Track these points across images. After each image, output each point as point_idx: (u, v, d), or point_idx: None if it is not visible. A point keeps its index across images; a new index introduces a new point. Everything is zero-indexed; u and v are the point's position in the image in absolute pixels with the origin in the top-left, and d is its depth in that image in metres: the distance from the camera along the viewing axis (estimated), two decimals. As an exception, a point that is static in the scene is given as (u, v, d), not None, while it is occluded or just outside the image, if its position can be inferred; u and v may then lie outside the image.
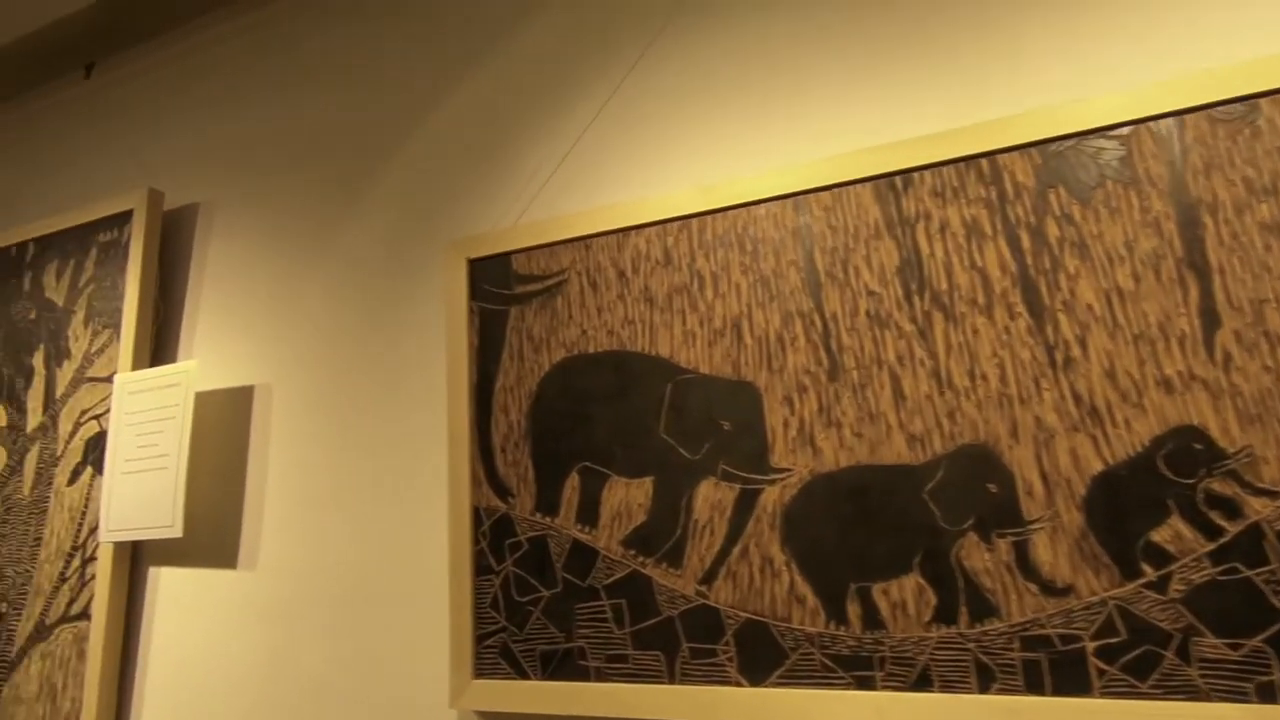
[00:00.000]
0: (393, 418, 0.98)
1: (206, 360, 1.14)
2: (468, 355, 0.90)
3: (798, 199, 0.78)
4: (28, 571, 1.15)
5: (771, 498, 0.73)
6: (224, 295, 1.16)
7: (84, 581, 1.09)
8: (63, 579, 1.11)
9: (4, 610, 1.16)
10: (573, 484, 0.82)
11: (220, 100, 1.27)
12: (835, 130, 0.82)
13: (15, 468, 1.22)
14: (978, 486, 0.66)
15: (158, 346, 1.19)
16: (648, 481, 0.79)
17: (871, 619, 0.68)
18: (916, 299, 0.72)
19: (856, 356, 0.73)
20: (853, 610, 0.69)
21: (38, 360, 1.25)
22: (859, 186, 0.76)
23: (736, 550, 0.74)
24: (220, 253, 1.19)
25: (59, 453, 1.18)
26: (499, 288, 0.91)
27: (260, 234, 1.16)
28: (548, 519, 0.83)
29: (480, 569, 0.85)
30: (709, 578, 0.74)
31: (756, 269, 0.79)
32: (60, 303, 1.25)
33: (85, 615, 1.08)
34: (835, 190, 0.77)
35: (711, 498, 0.76)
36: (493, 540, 0.85)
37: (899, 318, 0.72)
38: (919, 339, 0.71)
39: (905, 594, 0.67)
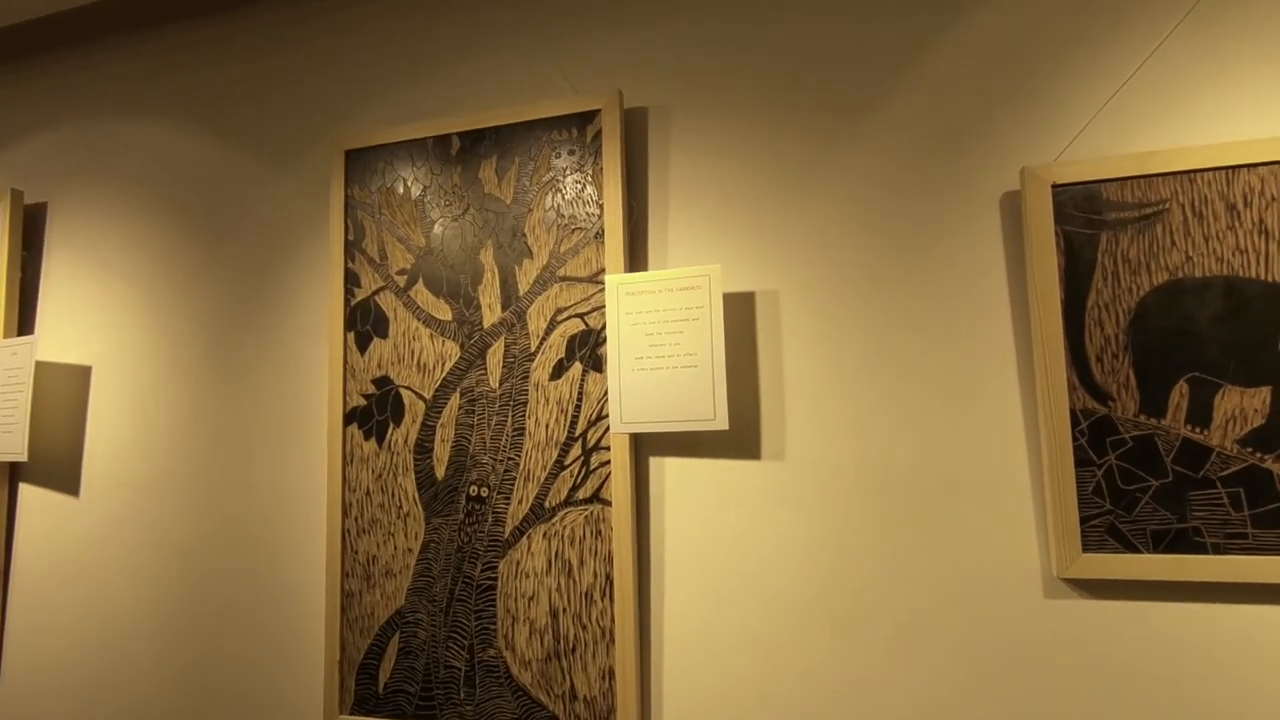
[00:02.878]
0: (931, 328, 1.07)
1: (688, 264, 1.19)
2: (1058, 276, 0.99)
3: None
4: (511, 459, 1.22)
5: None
6: (702, 203, 1.20)
7: (588, 469, 1.17)
8: (561, 465, 1.19)
9: (485, 494, 1.23)
10: (1180, 391, 0.95)
11: (673, 2, 1.26)
12: None
13: (474, 361, 1.25)
14: None
15: (632, 249, 1.22)
16: (1264, 391, 0.92)
17: None
18: None
19: None
20: None
21: (485, 256, 1.26)
22: None
23: (1364, 449, 0.89)
24: (689, 160, 1.21)
25: (532, 348, 1.22)
26: (1089, 213, 0.99)
27: (743, 146, 1.18)
28: (1154, 420, 0.95)
29: (1079, 462, 0.98)
30: (1331, 471, 0.90)
31: (1381, 210, 0.90)
32: (508, 200, 1.25)
33: (595, 499, 1.17)
34: None
35: (1335, 406, 0.90)
36: (1091, 438, 0.97)
37: None
38: None
39: None
